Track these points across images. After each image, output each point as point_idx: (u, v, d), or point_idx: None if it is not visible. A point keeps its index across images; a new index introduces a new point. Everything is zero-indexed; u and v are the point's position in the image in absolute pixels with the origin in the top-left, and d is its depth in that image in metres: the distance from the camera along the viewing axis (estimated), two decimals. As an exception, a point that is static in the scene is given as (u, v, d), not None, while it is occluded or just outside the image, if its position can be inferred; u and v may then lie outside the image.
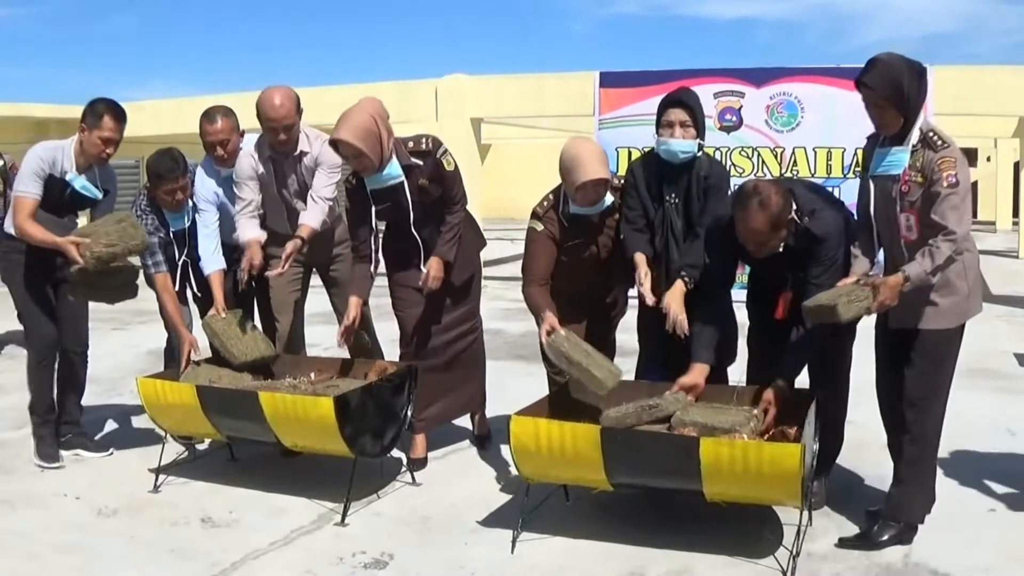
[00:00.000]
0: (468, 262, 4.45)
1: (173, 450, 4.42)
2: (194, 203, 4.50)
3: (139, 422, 5.02)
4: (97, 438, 4.84)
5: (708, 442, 3.17)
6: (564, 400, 3.83)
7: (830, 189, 4.99)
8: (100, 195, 4.43)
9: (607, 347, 4.19)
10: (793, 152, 9.06)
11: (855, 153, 8.36)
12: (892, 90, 3.21)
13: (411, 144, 4.17)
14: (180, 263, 4.56)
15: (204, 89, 70.50)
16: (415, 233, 4.23)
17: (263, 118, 4.25)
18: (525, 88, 11.66)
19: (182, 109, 12.09)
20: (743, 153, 9.16)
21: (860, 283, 3.26)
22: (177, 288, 4.54)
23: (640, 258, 3.83)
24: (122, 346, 7.18)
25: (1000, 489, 3.97)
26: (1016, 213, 18.10)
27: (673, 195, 3.86)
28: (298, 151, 4.35)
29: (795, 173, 8.90)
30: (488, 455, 4.58)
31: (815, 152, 8.99)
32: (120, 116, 4.28)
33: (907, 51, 3.39)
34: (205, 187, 4.50)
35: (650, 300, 3.73)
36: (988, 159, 22.93)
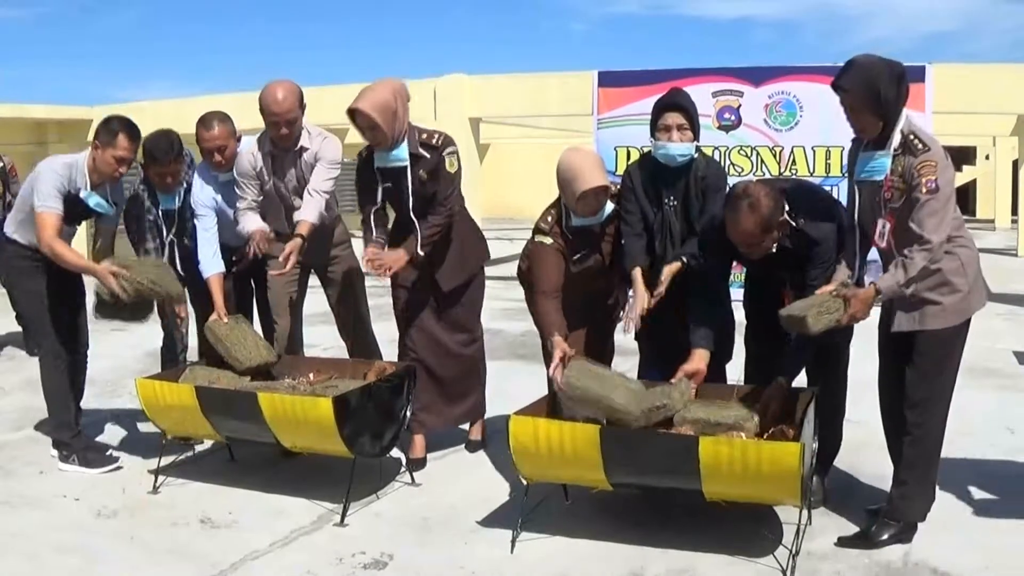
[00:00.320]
0: (469, 272, 4.44)
1: (173, 451, 4.42)
2: (192, 205, 4.49)
3: (139, 423, 5.02)
4: (97, 439, 4.84)
5: (707, 441, 3.17)
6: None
7: (829, 188, 4.99)
8: (112, 211, 4.44)
9: (607, 349, 4.20)
10: (792, 151, 9.04)
11: (854, 152, 8.34)
12: (868, 93, 3.17)
13: (424, 136, 4.19)
14: (168, 242, 4.57)
15: (204, 89, 70.63)
16: (414, 221, 4.21)
17: (265, 112, 4.23)
18: (524, 88, 11.65)
19: (182, 109, 12.05)
20: (742, 152, 9.14)
21: (834, 294, 3.25)
22: None
23: (638, 274, 3.83)
24: (122, 347, 7.17)
25: (1000, 488, 3.96)
26: (1015, 211, 18.13)
27: (671, 198, 3.85)
28: (298, 146, 4.34)
29: (794, 172, 8.88)
30: (488, 455, 4.57)
31: (814, 151, 8.96)
32: (135, 135, 4.24)
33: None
34: (203, 192, 4.49)
35: (641, 309, 3.73)
36: (987, 157, 22.97)
